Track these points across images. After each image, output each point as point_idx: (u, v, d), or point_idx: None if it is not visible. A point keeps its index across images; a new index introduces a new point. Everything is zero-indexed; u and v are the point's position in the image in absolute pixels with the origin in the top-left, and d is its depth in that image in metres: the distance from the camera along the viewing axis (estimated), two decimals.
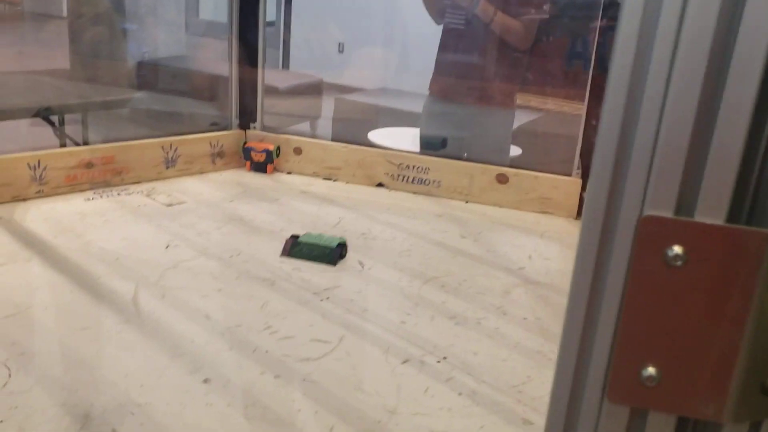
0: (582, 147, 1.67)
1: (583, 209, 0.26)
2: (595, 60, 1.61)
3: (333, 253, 1.29)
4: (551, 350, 1.04)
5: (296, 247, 1.31)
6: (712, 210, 0.25)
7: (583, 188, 1.67)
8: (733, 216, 0.25)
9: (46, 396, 0.83)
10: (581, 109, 1.73)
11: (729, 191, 0.24)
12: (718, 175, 0.24)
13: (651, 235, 0.25)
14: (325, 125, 3.39)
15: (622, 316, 0.26)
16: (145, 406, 0.83)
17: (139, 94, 2.28)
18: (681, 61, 0.23)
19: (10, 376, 0.86)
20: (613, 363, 0.27)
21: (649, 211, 0.25)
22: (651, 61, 0.24)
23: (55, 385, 0.85)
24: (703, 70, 0.23)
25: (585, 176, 1.67)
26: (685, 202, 0.25)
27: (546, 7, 1.95)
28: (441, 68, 2.01)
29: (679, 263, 0.25)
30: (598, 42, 1.58)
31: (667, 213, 0.25)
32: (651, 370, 0.26)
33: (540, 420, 0.87)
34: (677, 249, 0.25)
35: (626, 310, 0.26)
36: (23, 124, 2.16)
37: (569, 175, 1.69)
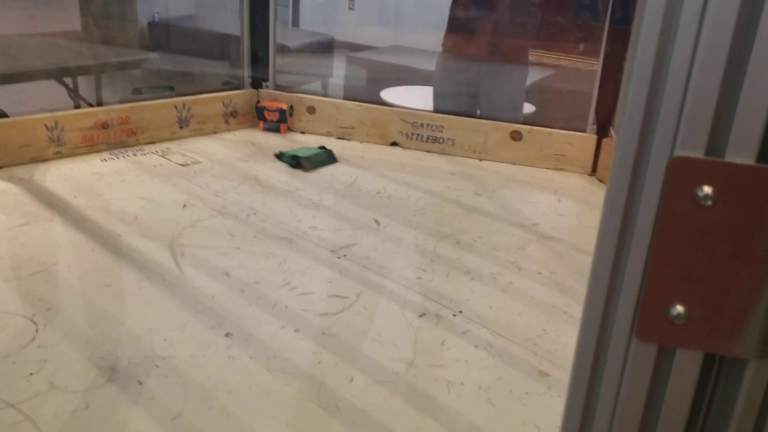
0: (597, 102, 1.65)
1: (614, 150, 0.27)
2: (611, 11, 1.57)
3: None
4: (566, 304, 1.05)
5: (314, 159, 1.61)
6: (742, 150, 0.25)
7: (598, 144, 1.66)
8: (763, 156, 0.25)
9: (73, 350, 0.85)
10: (595, 65, 1.71)
11: (760, 131, 0.25)
12: (750, 115, 0.24)
13: (681, 175, 0.25)
14: (336, 84, 3.37)
15: (651, 256, 0.27)
16: (169, 359, 0.85)
17: (153, 55, 2.28)
18: None
19: (37, 330, 0.88)
20: (641, 302, 0.27)
21: (679, 152, 0.26)
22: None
23: (82, 339, 0.88)
24: (737, 6, 0.23)
25: (600, 132, 1.66)
26: (716, 143, 0.25)
27: None
28: (454, 24, 1.98)
29: (708, 203, 0.26)
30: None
31: (698, 153, 0.26)
32: (679, 309, 0.27)
33: (556, 372, 0.89)
34: (707, 189, 0.25)
35: (655, 250, 0.26)
36: (37, 86, 2.17)
37: (584, 131, 1.68)
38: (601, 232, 0.27)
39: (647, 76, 0.25)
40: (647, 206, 0.26)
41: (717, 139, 0.25)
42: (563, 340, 0.96)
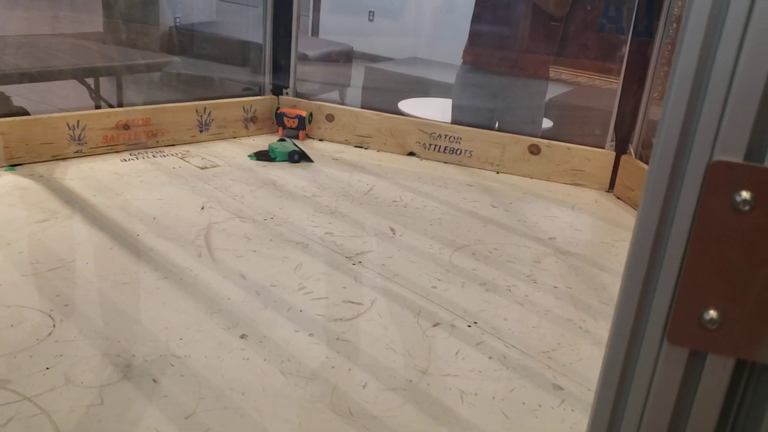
0: (617, 119, 1.65)
1: (653, 152, 0.27)
2: (634, 24, 1.57)
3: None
4: (581, 319, 1.05)
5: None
6: None
7: (617, 161, 1.65)
8: None
9: (89, 346, 0.86)
10: (614, 82, 1.71)
11: None
12: None
13: (720, 180, 0.26)
14: (354, 94, 3.38)
15: (687, 260, 0.27)
16: (184, 358, 0.85)
17: (177, 58, 2.30)
18: (760, 2, 0.23)
19: (54, 326, 0.89)
20: (674, 305, 0.27)
21: (719, 156, 0.26)
22: (729, 2, 0.24)
23: (98, 335, 0.88)
24: None
25: (619, 149, 1.66)
26: (756, 148, 0.26)
27: None
28: (475, 38, 1.99)
29: (746, 208, 0.26)
30: (637, 11, 1.55)
31: (737, 158, 0.26)
32: (712, 313, 0.27)
33: (570, 386, 0.88)
34: (745, 194, 0.26)
35: (691, 254, 0.26)
36: (57, 86, 2.19)
37: (602, 147, 1.67)
38: (637, 235, 0.27)
39: (689, 79, 0.25)
40: (684, 210, 0.26)
41: (757, 145, 0.25)
42: (578, 354, 0.96)
